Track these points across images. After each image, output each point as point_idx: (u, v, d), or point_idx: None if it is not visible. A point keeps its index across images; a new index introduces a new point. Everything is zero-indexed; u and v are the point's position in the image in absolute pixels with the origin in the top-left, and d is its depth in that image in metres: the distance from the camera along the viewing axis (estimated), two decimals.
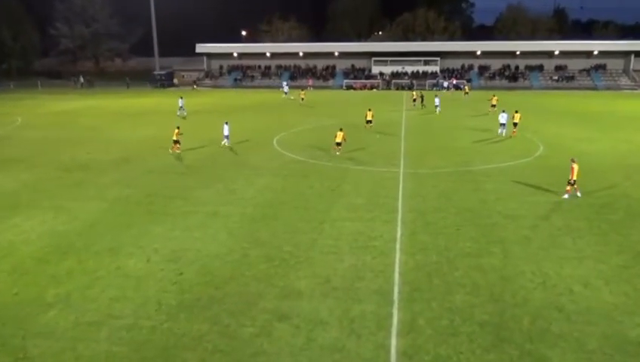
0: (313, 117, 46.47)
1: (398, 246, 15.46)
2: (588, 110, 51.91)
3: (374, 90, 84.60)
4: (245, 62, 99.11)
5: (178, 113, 47.49)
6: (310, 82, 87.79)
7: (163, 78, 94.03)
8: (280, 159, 27.96)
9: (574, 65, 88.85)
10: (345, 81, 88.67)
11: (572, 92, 75.76)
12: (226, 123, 31.69)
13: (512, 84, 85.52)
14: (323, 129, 38.51)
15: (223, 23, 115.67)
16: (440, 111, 48.23)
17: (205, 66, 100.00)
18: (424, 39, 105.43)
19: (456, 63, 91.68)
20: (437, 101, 49.95)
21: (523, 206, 19.26)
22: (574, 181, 20.13)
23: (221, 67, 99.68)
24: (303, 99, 59.44)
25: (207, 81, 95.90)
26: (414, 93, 58.36)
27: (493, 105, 47.25)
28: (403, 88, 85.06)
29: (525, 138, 34.28)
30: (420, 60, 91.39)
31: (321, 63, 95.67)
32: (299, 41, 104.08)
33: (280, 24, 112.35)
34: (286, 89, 71.54)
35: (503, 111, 36.46)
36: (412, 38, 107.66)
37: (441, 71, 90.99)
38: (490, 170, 25.01)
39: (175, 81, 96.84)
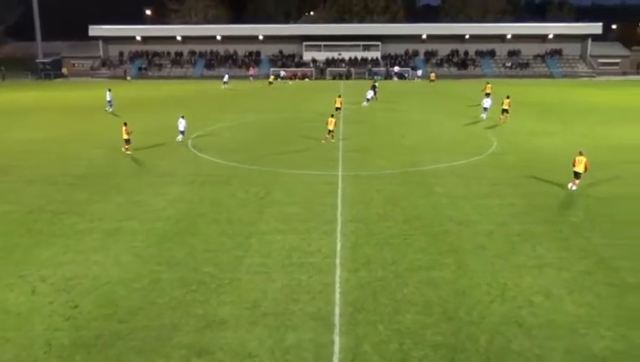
0: (234, 112, 46.24)
1: (338, 261, 15.61)
2: (544, 100, 54.82)
3: (306, 79, 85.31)
4: (151, 47, 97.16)
5: (106, 108, 47.42)
6: (252, 71, 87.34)
7: (48, 67, 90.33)
8: (196, 163, 27.56)
9: (528, 50, 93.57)
10: (272, 69, 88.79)
11: (527, 80, 79.71)
12: (182, 117, 33.15)
13: (462, 72, 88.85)
14: (247, 126, 38.39)
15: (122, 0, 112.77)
16: (367, 105, 49.38)
17: (101, 53, 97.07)
18: (362, 21, 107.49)
19: (399, 49, 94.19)
20: (369, 94, 50.99)
21: (477, 210, 20.02)
22: (578, 173, 22.18)
23: (121, 54, 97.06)
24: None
25: (104, 71, 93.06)
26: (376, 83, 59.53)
27: (488, 94, 47.74)
28: (340, 77, 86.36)
29: (477, 133, 35.70)
30: (359, 45, 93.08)
31: (242, 49, 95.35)
32: (216, 23, 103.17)
33: (193, 2, 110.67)
34: (226, 78, 72.04)
35: (487, 95, 39.88)
36: (348, 19, 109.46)
37: (383, 57, 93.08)
38: (440, 170, 25.83)
39: (64, 70, 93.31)
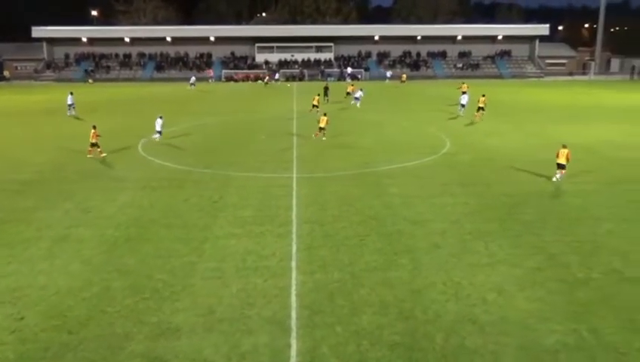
0: (187, 115, 45.72)
1: (293, 264, 15.62)
2: (495, 100, 56.01)
3: (259, 81, 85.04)
4: (98, 49, 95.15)
5: (69, 113, 46.33)
6: (210, 73, 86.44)
7: None
8: (147, 167, 27.13)
9: (479, 51, 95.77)
10: (224, 71, 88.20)
11: (478, 81, 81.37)
12: (160, 117, 33.52)
13: (414, 73, 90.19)
14: (200, 129, 38.02)
15: (66, 0, 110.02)
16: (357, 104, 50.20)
17: (45, 55, 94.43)
18: (314, 22, 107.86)
19: (352, 50, 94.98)
20: (357, 94, 52.20)
21: (431, 209, 20.36)
22: (561, 164, 23.94)
23: (67, 56, 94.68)
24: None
25: (49, 73, 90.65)
26: (351, 85, 59.71)
27: (464, 92, 48.89)
28: (293, 79, 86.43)
29: (430, 133, 36.30)
30: (312, 47, 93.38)
31: (193, 51, 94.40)
32: (166, 24, 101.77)
33: (141, 3, 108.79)
34: (192, 80, 71.75)
35: (464, 93, 43.75)
36: (301, 20, 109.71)
37: (336, 58, 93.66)
38: (394, 171, 26.14)
39: (6, 73, 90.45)
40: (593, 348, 11.40)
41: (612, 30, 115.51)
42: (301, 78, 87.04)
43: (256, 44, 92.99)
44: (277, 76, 78.79)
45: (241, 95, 64.92)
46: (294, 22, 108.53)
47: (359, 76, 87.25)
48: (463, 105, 44.84)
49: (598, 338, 11.75)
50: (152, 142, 31.88)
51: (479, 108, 41.94)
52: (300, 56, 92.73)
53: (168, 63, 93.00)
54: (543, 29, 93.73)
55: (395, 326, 12.33)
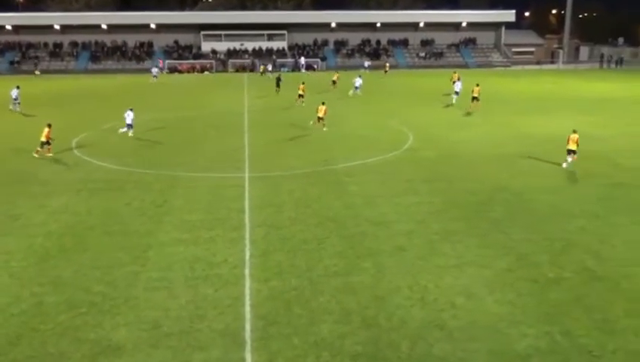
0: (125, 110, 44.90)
1: (247, 271, 15.55)
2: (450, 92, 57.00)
3: (206, 72, 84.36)
4: (25, 38, 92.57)
5: (11, 107, 45.36)
6: (161, 64, 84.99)
7: None
8: (83, 169, 26.58)
9: (442, 39, 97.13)
10: (167, 61, 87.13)
11: (442, 70, 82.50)
12: (131, 109, 34.12)
13: (375, 62, 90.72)
14: (142, 126, 37.47)
15: None
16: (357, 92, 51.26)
17: None
18: (266, 8, 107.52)
19: (307, 38, 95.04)
20: (357, 82, 53.82)
21: (394, 209, 20.55)
22: (571, 150, 25.63)
23: None
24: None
25: None
26: (336, 75, 60.12)
27: (457, 80, 50.60)
28: (244, 70, 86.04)
29: (392, 127, 36.66)
30: (263, 35, 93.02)
31: (132, 39, 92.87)
32: (101, 10, 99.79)
33: None
34: (155, 72, 70.51)
35: (458, 80, 47.04)
36: (250, 7, 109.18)
37: (289, 47, 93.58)
38: (354, 168, 26.30)
39: None
40: (566, 351, 11.70)
41: (580, 16, 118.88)
42: (252, 69, 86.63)
43: (202, 32, 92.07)
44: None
45: (187, 88, 64.26)
46: (243, 7, 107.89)
47: (315, 67, 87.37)
48: (457, 93, 47.29)
49: (571, 340, 12.07)
50: (92, 141, 31.21)
51: (473, 98, 43.50)
52: (250, 45, 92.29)
53: (104, 53, 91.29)
54: (509, 15, 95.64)
55: (358, 335, 12.39)
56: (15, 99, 45.65)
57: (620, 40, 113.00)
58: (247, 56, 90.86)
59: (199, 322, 12.93)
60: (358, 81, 54.02)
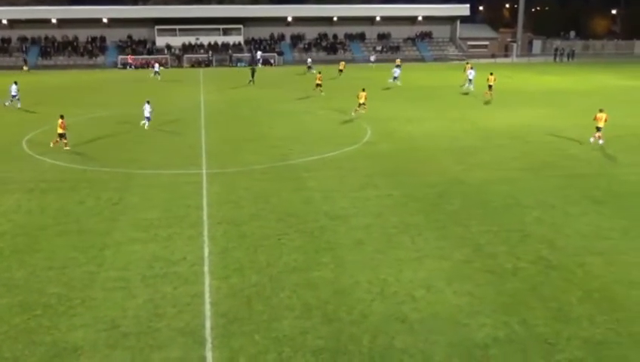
0: (78, 107, 44.08)
1: (206, 269, 15.47)
2: (417, 85, 57.62)
3: (161, 67, 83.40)
4: None
5: (7, 103, 43.96)
6: (130, 59, 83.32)
7: None
8: (34, 167, 25.98)
9: (398, 33, 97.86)
10: (120, 57, 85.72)
11: (371, 64, 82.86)
12: (148, 102, 34.81)
13: (332, 57, 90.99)
14: (96, 123, 36.86)
15: None
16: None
17: None
18: (221, 2, 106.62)
19: (263, 32, 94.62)
20: (396, 72, 55.50)
21: (353, 203, 20.69)
22: (599, 127, 28.76)
23: None
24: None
25: None
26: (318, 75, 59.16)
27: (472, 68, 53.22)
28: (199, 65, 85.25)
29: (351, 122, 36.83)
30: (219, 29, 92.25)
31: (84, 34, 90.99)
32: (50, 4, 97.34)
33: None
34: (157, 68, 68.71)
35: (472, 68, 51.72)
36: (205, 0, 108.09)
37: (246, 42, 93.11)
38: (313, 163, 26.36)
39: None
40: (523, 340, 11.98)
41: (533, 10, 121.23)
42: (208, 64, 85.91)
43: (157, 27, 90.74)
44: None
45: (142, 83, 63.34)
46: (199, 1, 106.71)
47: (272, 61, 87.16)
48: (470, 81, 50.87)
49: (528, 329, 12.36)
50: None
51: (489, 87, 46.05)
52: (206, 40, 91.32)
53: (55, 49, 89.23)
54: (464, 9, 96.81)
55: (319, 329, 12.46)
56: (14, 96, 44.17)
57: (572, 33, 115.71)
58: (202, 50, 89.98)
59: (158, 321, 12.81)
60: (397, 72, 56.14)
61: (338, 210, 19.98)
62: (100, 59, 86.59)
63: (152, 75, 66.81)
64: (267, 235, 17.78)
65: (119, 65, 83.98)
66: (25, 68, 79.37)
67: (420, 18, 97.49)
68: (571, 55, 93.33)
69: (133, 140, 31.57)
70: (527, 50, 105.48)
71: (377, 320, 12.78)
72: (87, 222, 19.07)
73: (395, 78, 52.03)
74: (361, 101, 37.96)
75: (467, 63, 60.33)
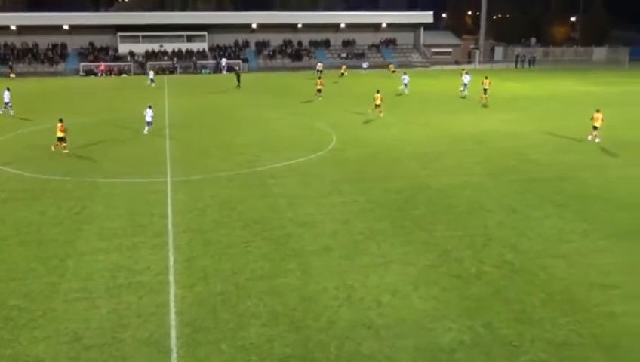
0: (41, 115, 43.24)
1: (171, 278, 15.32)
2: (382, 91, 57.97)
3: (124, 75, 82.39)
4: None
5: (1, 112, 42.94)
6: (102, 66, 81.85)
7: None
8: None
9: (363, 40, 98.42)
10: (82, 64, 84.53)
11: (363, 71, 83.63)
12: (149, 107, 35.13)
13: (297, 64, 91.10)
14: (54, 131, 36.18)
15: None
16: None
17: None
18: (185, 9, 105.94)
19: (228, 39, 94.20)
20: (405, 79, 56.17)
21: (319, 210, 20.71)
22: (596, 126, 31.21)
23: None
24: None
25: None
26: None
27: (467, 74, 54.80)
28: (164, 72, 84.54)
29: (316, 128, 36.89)
30: (183, 36, 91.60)
31: (44, 41, 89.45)
32: (9, 10, 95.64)
33: None
34: (152, 75, 68.58)
35: (467, 74, 53.64)
36: (169, 7, 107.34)
37: (210, 49, 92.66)
38: (279, 170, 26.33)
39: None
40: (488, 343, 12.14)
41: (494, 17, 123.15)
42: (172, 71, 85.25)
43: (119, 34, 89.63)
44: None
45: (104, 91, 62.53)
46: (162, 8, 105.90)
47: (237, 68, 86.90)
48: (465, 85, 52.54)
49: (492, 332, 12.53)
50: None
51: (485, 90, 47.51)
52: (169, 47, 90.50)
53: (14, 56, 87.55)
54: (427, 16, 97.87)
55: (286, 337, 12.43)
56: (7, 103, 42.98)
57: (533, 40, 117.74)
58: (166, 57, 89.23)
59: (122, 332, 12.64)
60: (406, 79, 56.70)
61: (304, 217, 19.99)
62: (61, 66, 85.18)
63: (148, 82, 65.88)
64: (233, 243, 17.69)
65: (81, 73, 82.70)
66: (12, 75, 77.43)
67: (384, 25, 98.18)
68: (532, 61, 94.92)
69: (98, 149, 31.12)
70: (490, 57, 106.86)
71: (344, 327, 12.81)
72: (49, 232, 18.74)
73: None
74: (378, 103, 40.06)
75: (463, 70, 62.40)
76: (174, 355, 11.79)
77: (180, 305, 13.85)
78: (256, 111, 45.15)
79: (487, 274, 15.43)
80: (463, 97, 51.69)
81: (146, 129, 34.85)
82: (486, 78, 49.14)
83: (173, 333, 12.58)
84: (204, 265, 16.05)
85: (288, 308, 13.68)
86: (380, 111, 40.24)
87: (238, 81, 62.99)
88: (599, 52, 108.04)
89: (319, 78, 53.82)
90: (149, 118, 34.67)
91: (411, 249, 17.21)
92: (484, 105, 46.50)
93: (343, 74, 71.60)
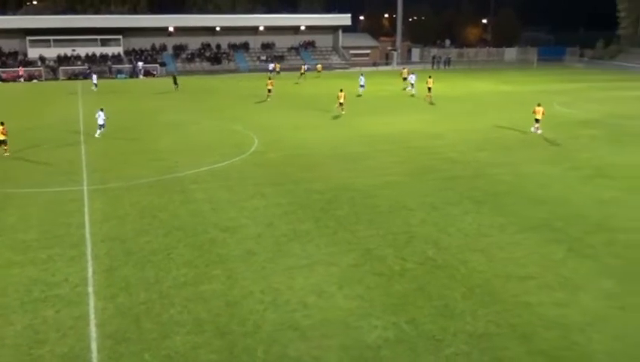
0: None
1: (90, 289, 14.87)
2: (300, 93, 58.33)
3: (35, 80, 79.28)
4: None
5: None
6: (21, 72, 77.79)
7: None
8: None
9: (282, 42, 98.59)
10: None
11: (283, 73, 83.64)
12: (101, 110, 35.02)
13: (216, 67, 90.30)
14: None
15: None
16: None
17: None
18: (98, 12, 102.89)
19: (144, 43, 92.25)
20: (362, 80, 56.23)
21: (242, 214, 20.61)
22: (538, 119, 33.60)
23: None
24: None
25: None
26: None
27: (411, 74, 57.54)
28: (77, 77, 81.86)
29: (237, 131, 36.66)
30: (96, 40, 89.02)
31: None
32: None
33: None
34: (95, 79, 66.72)
35: (413, 73, 56.72)
36: (81, 10, 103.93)
37: (126, 53, 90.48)
38: (200, 175, 26.00)
39: None
40: (413, 338, 12.42)
41: (410, 20, 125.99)
42: (86, 76, 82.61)
43: (28, 38, 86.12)
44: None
45: (13, 97, 59.93)
46: (73, 11, 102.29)
47: (154, 72, 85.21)
48: (412, 85, 54.81)
49: (416, 328, 12.82)
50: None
51: (429, 89, 49.96)
52: (83, 51, 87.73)
53: None
54: (345, 19, 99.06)
55: (212, 344, 12.31)
56: None
57: (447, 41, 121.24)
58: (80, 62, 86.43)
59: (39, 347, 12.18)
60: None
61: (227, 221, 19.84)
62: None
63: (93, 87, 63.84)
64: (155, 251, 17.36)
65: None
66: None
67: (302, 28, 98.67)
68: (448, 62, 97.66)
69: (8, 157, 29.78)
70: (407, 58, 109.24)
71: (270, 330, 12.80)
72: None
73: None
74: (341, 101, 41.56)
75: (404, 69, 65.58)
76: None
77: (100, 316, 13.46)
78: (175, 115, 44.39)
79: (410, 271, 15.78)
80: (412, 95, 53.71)
81: (98, 132, 34.69)
82: (430, 77, 51.66)
83: (94, 346, 12.22)
84: (125, 275, 15.67)
85: (213, 314, 13.55)
86: (342, 110, 41.75)
87: (175, 83, 63.69)
88: (510, 52, 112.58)
89: (269, 79, 54.07)
90: (100, 121, 34.61)
91: (335, 249, 17.38)
92: (431, 103, 48.92)
93: (302, 73, 72.66)
